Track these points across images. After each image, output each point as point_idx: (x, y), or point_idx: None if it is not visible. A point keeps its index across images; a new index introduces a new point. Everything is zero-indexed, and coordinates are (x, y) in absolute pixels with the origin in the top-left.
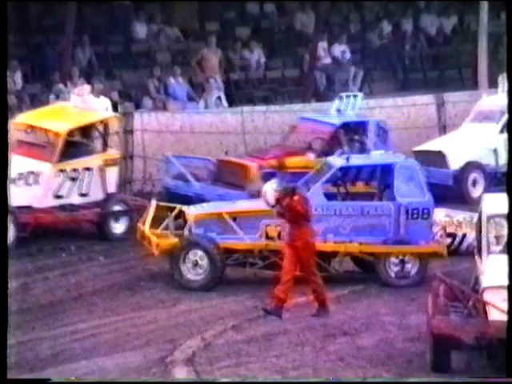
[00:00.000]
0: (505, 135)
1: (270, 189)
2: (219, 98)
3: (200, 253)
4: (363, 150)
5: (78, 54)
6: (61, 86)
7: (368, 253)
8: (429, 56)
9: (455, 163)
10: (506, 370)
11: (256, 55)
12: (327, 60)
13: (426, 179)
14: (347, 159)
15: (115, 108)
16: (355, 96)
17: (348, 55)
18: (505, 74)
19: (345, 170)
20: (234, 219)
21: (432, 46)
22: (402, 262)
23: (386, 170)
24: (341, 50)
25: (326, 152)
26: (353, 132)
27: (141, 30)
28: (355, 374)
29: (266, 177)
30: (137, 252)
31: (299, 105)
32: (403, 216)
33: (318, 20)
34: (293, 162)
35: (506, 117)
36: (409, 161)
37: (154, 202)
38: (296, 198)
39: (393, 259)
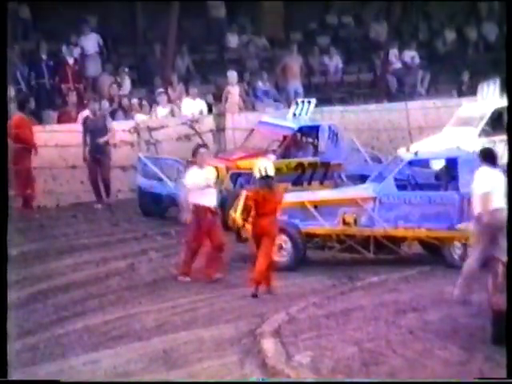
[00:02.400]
0: (483, 139)
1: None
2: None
3: (284, 237)
4: (316, 152)
5: (177, 62)
6: (162, 90)
7: (434, 237)
8: (490, 61)
9: (436, 164)
10: (507, 370)
11: (334, 61)
12: (398, 65)
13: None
14: (415, 153)
15: (210, 109)
16: (309, 102)
17: (417, 60)
18: (484, 83)
19: (414, 163)
20: (315, 207)
21: (492, 51)
22: (465, 246)
23: (452, 163)
24: (410, 55)
25: (285, 154)
26: (307, 135)
27: (233, 40)
28: (423, 346)
29: (234, 177)
30: (229, 236)
31: (373, 105)
32: (466, 205)
33: (389, 29)
34: (253, 163)
35: (484, 122)
36: (471, 154)
37: (244, 192)
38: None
39: (457, 243)
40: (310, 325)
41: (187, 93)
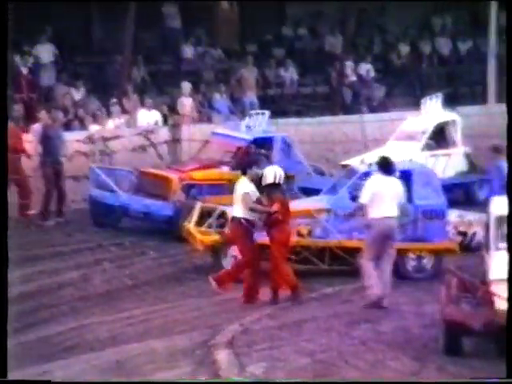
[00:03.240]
0: (426, 153)
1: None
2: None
3: None
4: (269, 163)
5: (133, 73)
6: (115, 100)
7: None
8: (443, 74)
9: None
10: (507, 370)
11: (290, 73)
12: (353, 77)
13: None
14: (370, 165)
15: (165, 120)
16: (263, 114)
17: (372, 73)
18: (427, 98)
19: (368, 175)
20: None
21: (446, 65)
22: (419, 258)
23: (406, 176)
24: (366, 68)
25: (240, 165)
26: (261, 147)
27: (188, 51)
28: (375, 357)
29: (187, 188)
30: (183, 248)
31: (328, 117)
32: (421, 216)
33: (345, 42)
34: (206, 174)
35: (426, 136)
36: (425, 167)
37: (199, 203)
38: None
39: (411, 255)
40: (263, 336)
41: (142, 104)
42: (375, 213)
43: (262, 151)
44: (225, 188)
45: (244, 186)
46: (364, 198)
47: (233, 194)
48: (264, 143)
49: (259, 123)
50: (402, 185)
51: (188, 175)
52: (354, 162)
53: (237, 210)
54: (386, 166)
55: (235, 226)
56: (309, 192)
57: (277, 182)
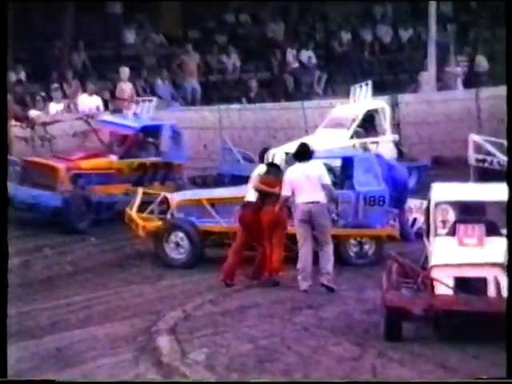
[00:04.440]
0: (355, 141)
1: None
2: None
3: (181, 234)
4: (158, 152)
5: (73, 58)
6: (57, 85)
7: (331, 235)
8: (384, 61)
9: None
10: (507, 370)
11: (232, 60)
12: (295, 64)
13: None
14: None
15: (106, 105)
16: (150, 101)
17: (314, 60)
18: (356, 86)
19: None
20: (212, 205)
21: (387, 53)
22: (361, 244)
23: (347, 162)
24: (307, 55)
25: (128, 153)
26: (149, 135)
27: (130, 36)
28: (317, 343)
29: (74, 178)
30: (125, 234)
31: (270, 104)
32: (362, 203)
33: (287, 29)
34: (94, 163)
35: (356, 123)
36: (367, 154)
37: (140, 190)
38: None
39: (352, 241)
40: (205, 322)
41: (83, 89)
42: (297, 200)
43: (150, 139)
44: (114, 177)
45: (257, 170)
46: (285, 190)
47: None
48: (152, 131)
49: (147, 110)
50: (344, 171)
51: (75, 164)
52: (284, 149)
53: (250, 195)
54: (300, 153)
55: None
56: (238, 179)
57: (270, 162)
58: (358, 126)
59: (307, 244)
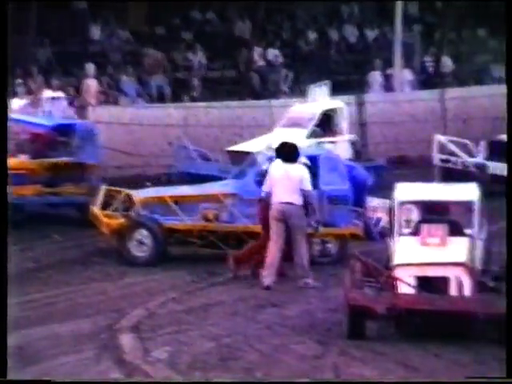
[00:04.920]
0: (312, 140)
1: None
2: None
3: (145, 232)
4: (70, 151)
5: (38, 54)
6: (21, 81)
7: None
8: (351, 61)
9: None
10: (507, 370)
11: (198, 57)
12: (262, 63)
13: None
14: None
15: (71, 102)
16: (61, 98)
17: (280, 59)
18: (314, 85)
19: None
20: (176, 202)
21: (353, 53)
22: (324, 243)
23: (312, 161)
24: (274, 54)
25: (39, 153)
26: (62, 134)
27: (96, 32)
28: (280, 341)
29: None
30: (88, 231)
31: (236, 102)
32: (326, 202)
33: (254, 27)
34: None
35: (313, 123)
36: (331, 153)
37: (104, 187)
38: None
39: (316, 240)
40: (169, 320)
41: (48, 85)
42: (273, 198)
43: (63, 139)
44: (25, 177)
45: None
46: (264, 186)
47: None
48: (65, 130)
49: (60, 108)
50: (309, 170)
51: None
52: (240, 147)
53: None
54: (286, 153)
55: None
56: (193, 177)
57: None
58: (316, 126)
59: (278, 242)
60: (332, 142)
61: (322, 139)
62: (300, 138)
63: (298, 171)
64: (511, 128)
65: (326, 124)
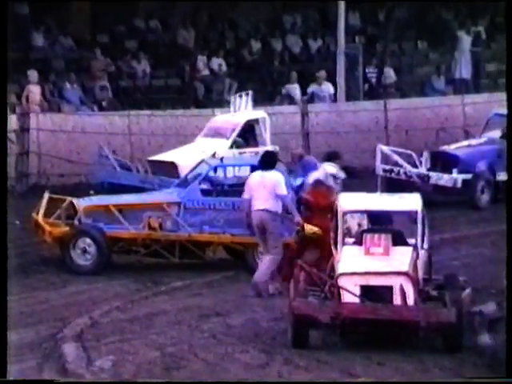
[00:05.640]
0: (234, 151)
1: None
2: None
3: (88, 240)
4: None
5: None
6: None
7: (239, 243)
8: (294, 71)
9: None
10: (507, 370)
11: (142, 65)
12: (206, 72)
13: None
14: (221, 159)
15: (13, 109)
16: None
17: (224, 68)
18: (237, 95)
19: (219, 169)
20: (120, 211)
21: (297, 63)
22: None
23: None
24: (218, 63)
25: None
26: None
27: (38, 38)
28: (225, 350)
29: None
30: (30, 239)
31: (180, 111)
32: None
33: (197, 36)
34: None
35: (235, 133)
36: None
37: (46, 194)
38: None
39: (260, 249)
40: (112, 329)
41: None
42: (252, 207)
43: None
44: None
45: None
46: (244, 194)
47: None
48: None
49: None
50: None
51: None
52: (162, 157)
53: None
54: (264, 161)
55: None
56: (114, 187)
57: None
58: (238, 136)
59: (265, 248)
60: (254, 153)
61: (245, 150)
62: (222, 148)
63: (273, 177)
64: (511, 128)
65: (248, 134)
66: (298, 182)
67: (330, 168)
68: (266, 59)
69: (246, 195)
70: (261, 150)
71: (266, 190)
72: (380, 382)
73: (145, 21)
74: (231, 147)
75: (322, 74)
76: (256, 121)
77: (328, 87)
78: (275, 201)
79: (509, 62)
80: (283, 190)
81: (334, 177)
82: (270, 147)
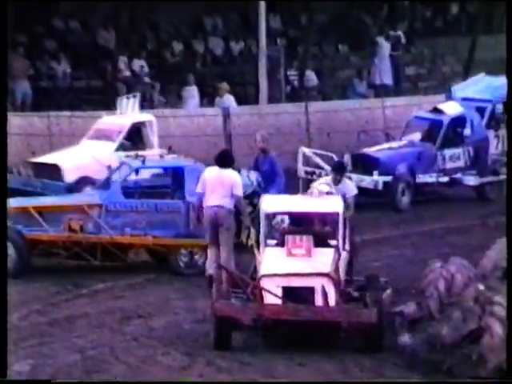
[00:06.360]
0: (120, 153)
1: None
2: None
3: (7, 243)
4: None
5: None
6: None
7: (161, 245)
8: (216, 73)
9: (69, 176)
10: (507, 370)
11: (63, 66)
12: (127, 73)
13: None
14: (143, 161)
15: None
16: None
17: (146, 69)
18: (124, 97)
19: (141, 171)
20: (40, 213)
21: (219, 65)
22: (191, 254)
23: (178, 172)
24: (140, 64)
25: None
26: None
27: None
28: (146, 353)
29: None
30: None
31: (102, 112)
32: (192, 213)
33: (118, 37)
34: None
35: (122, 136)
36: (197, 164)
37: None
38: None
39: (183, 251)
40: (31, 332)
41: None
42: (205, 202)
43: None
44: None
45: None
46: (197, 187)
47: None
48: None
49: None
50: (175, 181)
51: None
52: (45, 159)
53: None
54: (221, 159)
55: None
56: (27, 194)
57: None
58: (125, 139)
59: (214, 247)
60: (141, 156)
61: (131, 153)
62: (108, 151)
63: (232, 176)
64: (511, 129)
65: (135, 137)
66: None
67: (322, 187)
68: (188, 61)
69: (198, 189)
70: (148, 153)
71: (223, 187)
72: (380, 381)
73: (64, 21)
74: (117, 150)
75: (224, 85)
76: (143, 123)
77: (230, 100)
78: (230, 199)
79: (509, 62)
80: (240, 191)
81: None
82: (157, 150)
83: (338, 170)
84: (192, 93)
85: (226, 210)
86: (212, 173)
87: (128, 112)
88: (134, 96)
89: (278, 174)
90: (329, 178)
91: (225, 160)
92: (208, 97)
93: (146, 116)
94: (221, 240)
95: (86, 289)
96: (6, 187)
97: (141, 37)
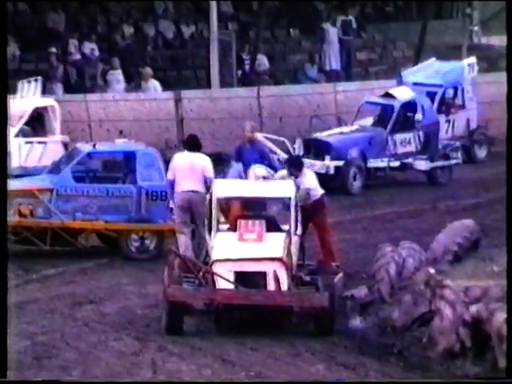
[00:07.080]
0: (20, 139)
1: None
2: None
3: None
4: None
5: None
6: None
7: (112, 230)
8: (168, 57)
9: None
10: (506, 370)
11: (12, 48)
12: (77, 56)
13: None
14: (94, 146)
15: None
16: None
17: (97, 53)
18: (25, 81)
19: (92, 155)
20: None
21: (170, 49)
22: (142, 239)
23: (130, 157)
24: (90, 47)
25: None
26: None
27: None
28: (98, 338)
29: None
30: None
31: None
32: (144, 198)
33: (68, 19)
34: None
35: (23, 121)
36: (149, 149)
37: None
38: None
39: (134, 236)
40: None
41: None
42: (177, 188)
43: None
44: None
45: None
46: (168, 173)
47: None
48: None
49: None
50: (126, 165)
51: None
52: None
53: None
54: (189, 143)
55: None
56: None
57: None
58: (25, 124)
59: (186, 231)
60: (42, 143)
61: (32, 139)
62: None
63: (202, 160)
64: (511, 128)
65: (36, 123)
66: None
67: (259, 170)
68: (139, 44)
69: (170, 176)
70: (49, 139)
71: (195, 172)
72: (381, 381)
73: (13, 3)
74: (17, 136)
75: (147, 70)
76: (45, 109)
77: (154, 84)
78: (202, 183)
79: (509, 62)
80: (212, 173)
81: (265, 178)
82: (59, 136)
83: (293, 165)
84: (117, 77)
85: (199, 194)
86: (182, 158)
87: (29, 96)
88: (36, 80)
89: (270, 161)
90: (285, 172)
91: (194, 144)
92: (160, 81)
93: (48, 101)
94: (197, 225)
95: (37, 274)
96: (5, 186)
97: (91, 20)
